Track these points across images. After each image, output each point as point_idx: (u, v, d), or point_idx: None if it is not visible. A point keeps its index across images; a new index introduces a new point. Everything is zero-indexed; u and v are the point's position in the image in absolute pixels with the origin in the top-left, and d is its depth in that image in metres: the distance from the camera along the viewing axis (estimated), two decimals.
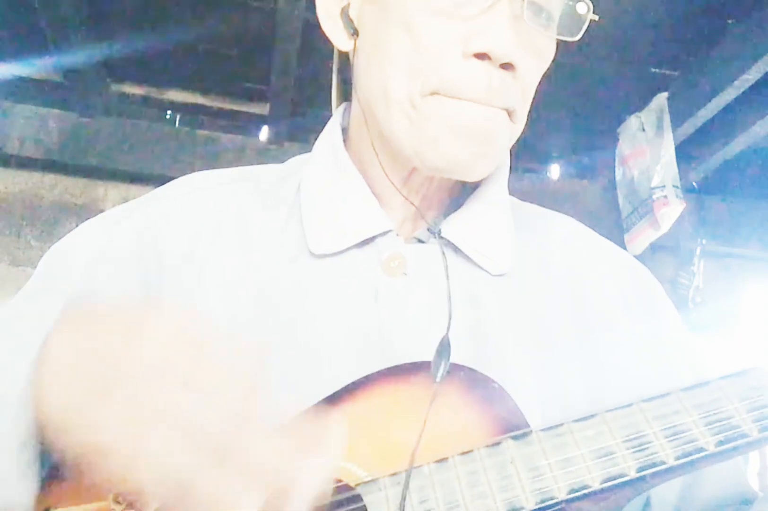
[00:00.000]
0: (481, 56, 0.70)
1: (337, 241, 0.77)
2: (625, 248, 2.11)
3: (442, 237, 0.78)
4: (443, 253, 0.77)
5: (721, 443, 0.58)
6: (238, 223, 0.80)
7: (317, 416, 0.56)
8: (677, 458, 0.57)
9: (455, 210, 0.82)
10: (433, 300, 0.76)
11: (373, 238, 0.78)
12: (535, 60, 0.75)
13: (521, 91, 0.74)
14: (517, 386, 0.66)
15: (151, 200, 0.85)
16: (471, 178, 0.78)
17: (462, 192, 0.84)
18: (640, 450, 0.58)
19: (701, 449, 0.58)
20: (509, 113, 0.74)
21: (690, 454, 0.58)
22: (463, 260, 0.79)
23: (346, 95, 0.89)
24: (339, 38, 0.80)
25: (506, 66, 0.70)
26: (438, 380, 0.65)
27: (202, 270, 0.77)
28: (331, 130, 0.85)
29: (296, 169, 0.86)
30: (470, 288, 0.78)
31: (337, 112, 0.87)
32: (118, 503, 0.60)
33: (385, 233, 0.78)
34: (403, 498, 0.59)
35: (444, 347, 0.68)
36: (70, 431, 0.54)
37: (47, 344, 0.56)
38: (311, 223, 0.79)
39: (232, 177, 0.86)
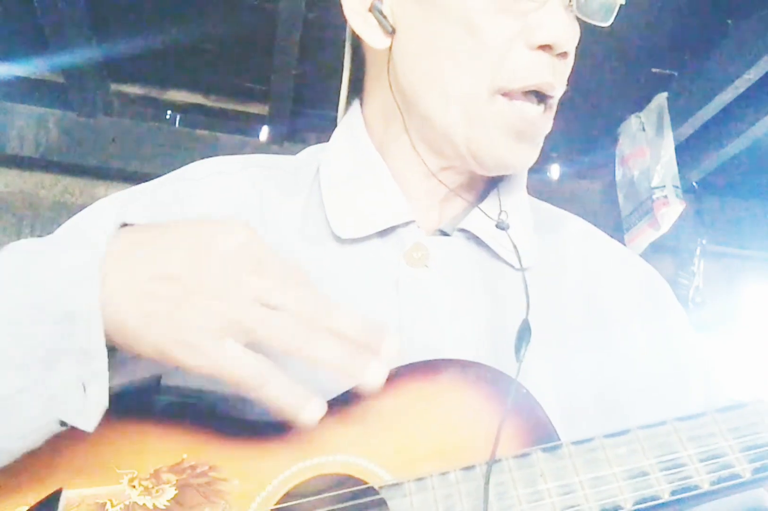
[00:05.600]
0: (544, 47, 0.73)
1: (360, 226, 0.77)
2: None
3: (465, 230, 0.79)
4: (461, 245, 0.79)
5: (757, 470, 0.56)
6: (257, 208, 0.81)
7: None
8: (712, 484, 0.56)
9: (479, 202, 0.82)
10: (455, 293, 0.76)
11: (394, 228, 0.78)
12: (574, 45, 0.78)
13: (567, 75, 0.78)
14: (536, 383, 0.66)
15: (173, 182, 0.84)
16: (517, 172, 0.83)
17: (487, 185, 0.85)
18: (674, 473, 0.57)
19: (737, 476, 0.56)
20: (553, 99, 0.78)
21: (725, 480, 0.56)
22: (486, 253, 0.79)
23: (355, 90, 0.88)
24: (372, 36, 0.79)
25: (562, 54, 0.75)
26: (520, 359, 0.66)
27: None
28: (353, 120, 0.85)
29: (310, 160, 0.86)
30: (492, 283, 0.78)
31: (356, 104, 0.87)
32: (134, 487, 0.60)
33: (407, 224, 0.78)
34: (486, 501, 0.57)
35: (525, 330, 0.70)
36: (141, 339, 0.57)
37: (109, 256, 0.58)
38: (333, 207, 0.79)
39: (249, 163, 0.87)
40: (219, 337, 0.56)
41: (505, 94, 0.74)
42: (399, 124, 0.80)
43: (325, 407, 0.58)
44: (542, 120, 0.77)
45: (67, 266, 0.58)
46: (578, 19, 0.76)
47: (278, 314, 0.57)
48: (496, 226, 0.79)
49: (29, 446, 0.59)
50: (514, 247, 0.78)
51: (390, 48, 0.78)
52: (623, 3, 0.77)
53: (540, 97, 0.75)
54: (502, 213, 0.80)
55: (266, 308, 0.57)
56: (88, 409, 0.57)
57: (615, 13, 0.77)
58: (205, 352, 0.56)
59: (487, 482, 0.57)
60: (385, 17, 0.78)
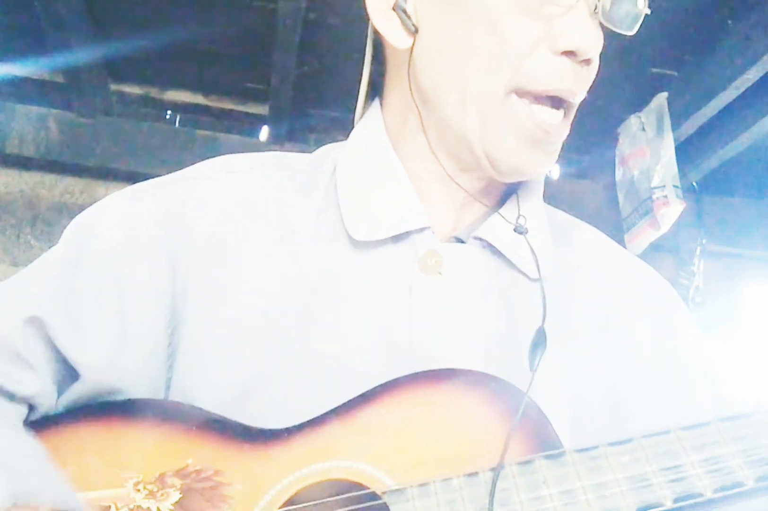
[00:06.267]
0: (568, 53, 0.72)
1: (374, 229, 0.76)
2: (625, 248, 2.11)
3: (481, 238, 0.78)
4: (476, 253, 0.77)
5: (760, 479, 0.56)
6: (271, 207, 0.80)
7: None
8: (715, 492, 0.56)
9: (498, 207, 0.81)
10: (467, 302, 0.75)
11: (409, 234, 0.77)
12: (598, 53, 0.77)
13: (590, 82, 0.77)
14: (546, 391, 0.66)
15: (179, 180, 0.83)
16: (532, 178, 0.81)
17: (506, 189, 0.84)
18: (677, 480, 0.57)
19: (740, 484, 0.56)
20: (573, 106, 0.77)
21: (728, 488, 0.56)
22: (501, 262, 0.78)
23: (373, 91, 0.87)
24: (395, 35, 0.78)
25: (586, 61, 0.74)
26: (534, 369, 0.65)
27: (232, 254, 0.76)
28: (372, 121, 0.83)
29: (326, 158, 0.85)
30: (506, 292, 0.77)
31: (375, 104, 0.85)
32: (138, 491, 0.60)
33: (421, 230, 0.77)
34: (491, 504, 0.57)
35: (540, 339, 0.69)
36: None
37: None
38: (349, 209, 0.77)
39: (263, 162, 0.86)
40: None
41: (522, 96, 0.73)
42: (417, 125, 0.79)
43: None
44: (560, 127, 0.75)
45: None
46: (602, 26, 0.75)
47: None
48: (514, 230, 0.78)
49: None
50: (533, 252, 0.77)
51: (412, 48, 0.77)
52: (648, 13, 0.77)
53: (559, 102, 0.75)
54: (521, 217, 0.79)
55: None
56: None
57: (640, 23, 0.77)
58: None
59: (493, 489, 0.57)
60: (408, 16, 0.76)
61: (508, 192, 0.83)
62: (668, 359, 0.80)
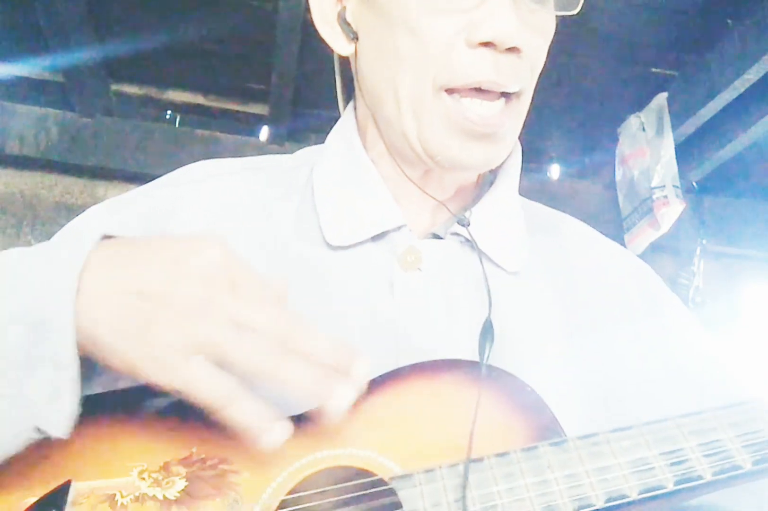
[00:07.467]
0: (486, 44, 0.71)
1: (352, 233, 0.77)
2: (624, 247, 2.11)
3: (458, 234, 0.79)
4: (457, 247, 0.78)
5: (757, 462, 0.59)
6: (250, 212, 0.81)
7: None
8: (715, 474, 0.58)
9: (472, 205, 0.82)
10: (449, 296, 0.76)
11: (386, 233, 0.78)
12: (539, 38, 0.76)
13: (529, 69, 0.76)
14: (540, 387, 0.66)
15: (160, 187, 0.85)
16: (479, 171, 0.81)
17: (478, 187, 0.85)
18: (677, 463, 0.59)
19: (738, 467, 0.58)
20: (517, 95, 0.75)
21: (727, 471, 0.58)
22: (478, 256, 0.79)
23: (350, 94, 0.89)
24: (338, 43, 0.81)
25: (512, 49, 0.72)
26: (485, 361, 0.66)
27: None
28: (346, 124, 0.85)
29: (305, 160, 0.86)
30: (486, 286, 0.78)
31: (349, 108, 0.87)
32: (143, 479, 0.60)
33: (398, 228, 0.78)
34: (464, 494, 0.59)
35: (487, 329, 0.70)
36: (112, 353, 0.57)
37: (87, 268, 0.58)
38: (326, 214, 0.79)
39: (242, 166, 0.87)
40: (187, 355, 0.56)
41: (451, 92, 0.73)
42: (375, 130, 0.82)
43: (289, 431, 0.59)
44: (499, 118, 0.74)
45: (46, 275, 0.59)
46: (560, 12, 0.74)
47: (249, 335, 0.57)
48: (457, 222, 0.79)
49: (8, 451, 0.59)
50: (474, 241, 0.77)
51: (355, 54, 0.80)
52: None
53: (494, 94, 0.74)
54: (467, 211, 0.80)
55: (237, 329, 0.57)
56: (61, 417, 0.57)
57: (581, 2, 0.74)
58: (172, 369, 0.56)
59: (466, 472, 0.59)
60: (349, 25, 0.79)
61: (482, 188, 0.84)
62: (664, 351, 0.81)
